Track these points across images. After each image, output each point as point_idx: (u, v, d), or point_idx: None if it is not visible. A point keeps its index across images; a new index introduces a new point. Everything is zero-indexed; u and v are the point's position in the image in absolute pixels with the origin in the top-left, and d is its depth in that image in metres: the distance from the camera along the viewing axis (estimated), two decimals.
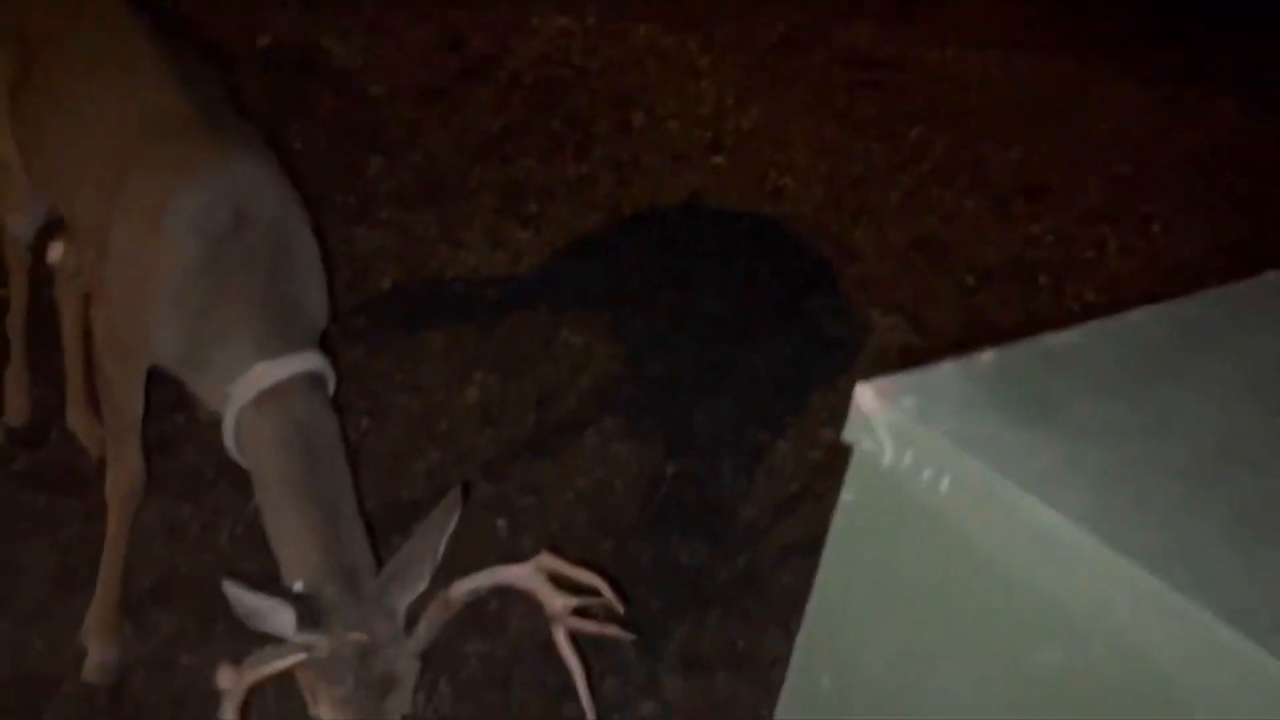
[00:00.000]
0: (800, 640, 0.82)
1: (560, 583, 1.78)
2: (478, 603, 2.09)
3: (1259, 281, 0.93)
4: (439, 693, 2.21)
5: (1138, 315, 0.88)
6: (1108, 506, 0.65)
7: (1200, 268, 3.51)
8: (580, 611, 1.79)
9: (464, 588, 1.78)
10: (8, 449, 2.58)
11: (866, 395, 0.73)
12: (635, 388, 2.99)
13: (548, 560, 1.77)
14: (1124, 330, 0.86)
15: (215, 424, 2.68)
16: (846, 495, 0.78)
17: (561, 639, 1.78)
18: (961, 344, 0.80)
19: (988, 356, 0.79)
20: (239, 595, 1.65)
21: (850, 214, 3.60)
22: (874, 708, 0.78)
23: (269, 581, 1.78)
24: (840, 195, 3.68)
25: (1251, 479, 0.71)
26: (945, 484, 0.69)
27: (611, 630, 1.81)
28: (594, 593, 1.77)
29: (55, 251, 2.45)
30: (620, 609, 1.80)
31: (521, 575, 1.78)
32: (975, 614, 0.70)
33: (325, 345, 1.98)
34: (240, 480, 2.53)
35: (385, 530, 2.17)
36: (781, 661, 2.43)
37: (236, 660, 1.63)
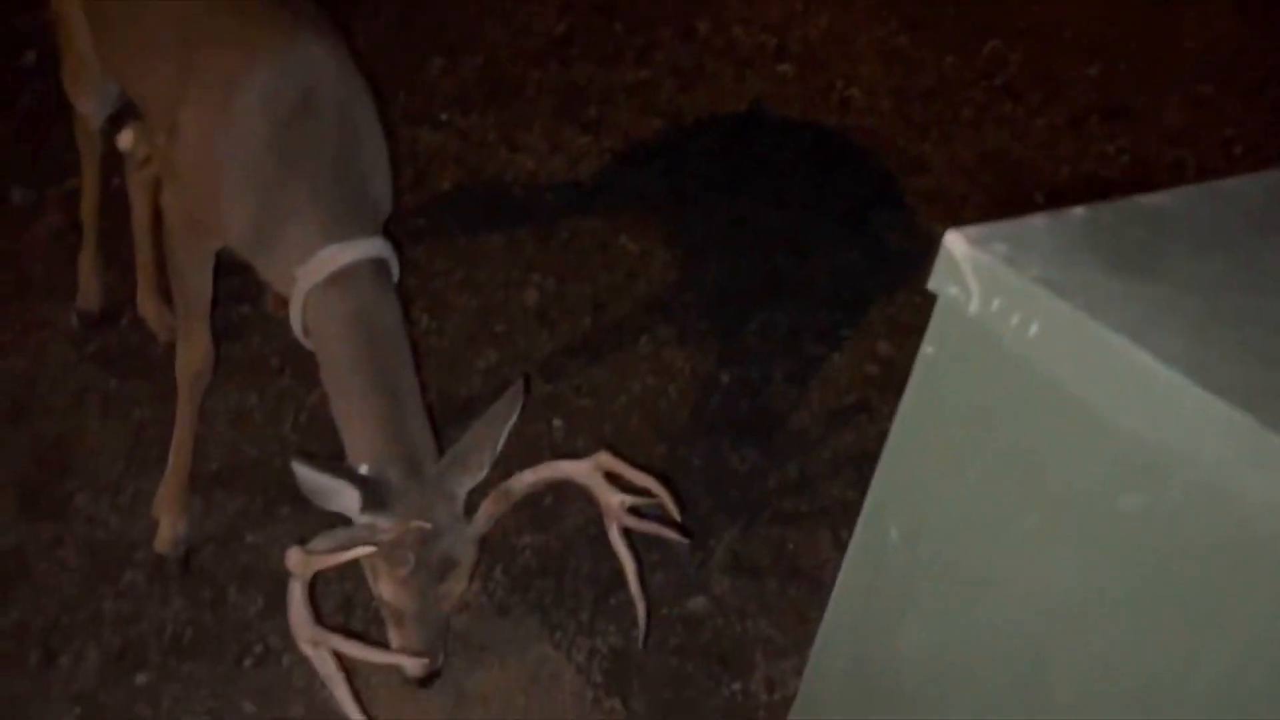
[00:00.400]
0: (870, 495, 0.82)
1: (616, 481, 1.80)
2: (533, 498, 2.13)
3: None
4: (494, 580, 2.26)
5: (1231, 182, 0.86)
6: (1203, 352, 0.64)
7: None
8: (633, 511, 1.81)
9: (524, 480, 1.81)
10: (81, 333, 2.65)
11: (957, 241, 0.72)
12: (691, 295, 2.98)
13: (606, 459, 1.79)
14: (1218, 194, 0.83)
15: (280, 316, 2.74)
16: (927, 348, 0.77)
17: (615, 535, 1.81)
18: None
19: (1080, 211, 0.77)
20: (307, 474, 1.69)
21: (919, 127, 3.51)
22: (942, 560, 0.78)
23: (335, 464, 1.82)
24: (909, 108, 3.59)
25: None
26: (1034, 329, 0.68)
27: (664, 531, 1.84)
28: (649, 493, 1.79)
29: (126, 138, 2.48)
30: (675, 513, 1.82)
31: (580, 471, 1.80)
32: (1057, 460, 0.69)
33: (388, 237, 1.99)
34: (303, 371, 2.59)
35: (442, 426, 2.20)
36: (831, 565, 2.46)
37: (301, 542, 1.67)
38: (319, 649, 1.62)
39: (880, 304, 2.97)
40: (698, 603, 2.28)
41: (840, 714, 0.87)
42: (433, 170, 3.25)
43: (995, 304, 0.69)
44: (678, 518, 1.83)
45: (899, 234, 3.18)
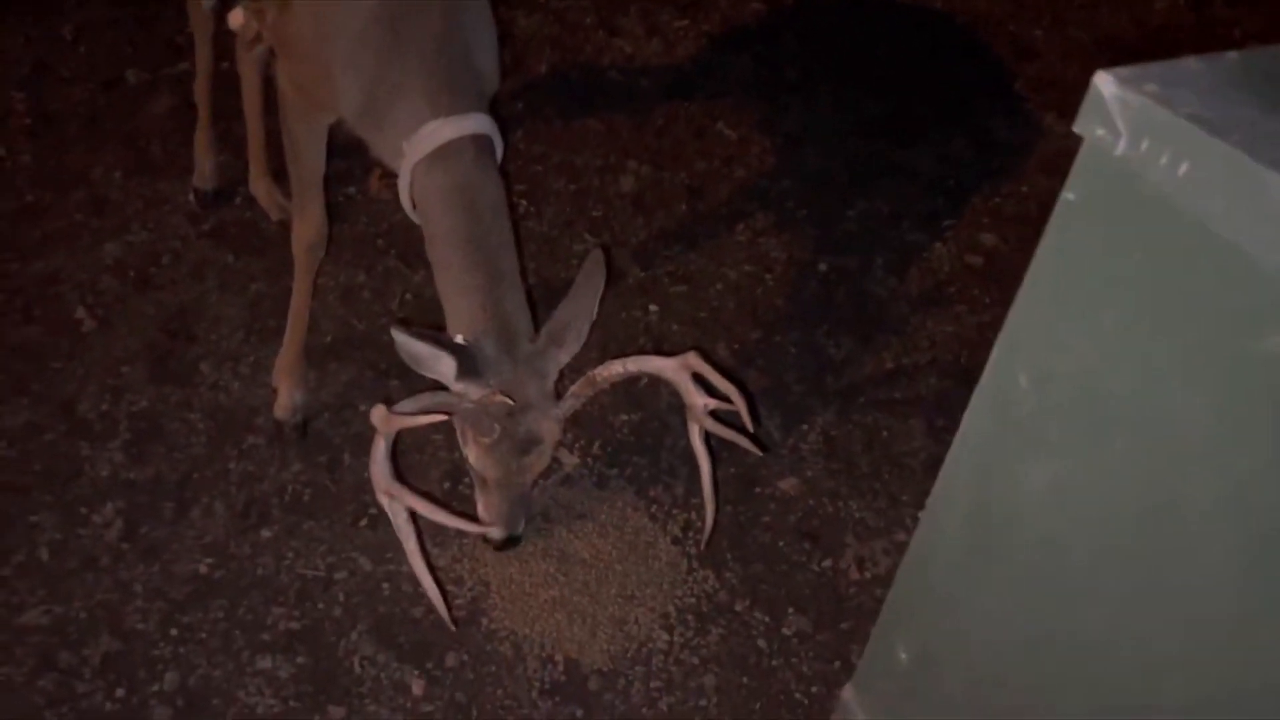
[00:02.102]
0: (1000, 343, 0.83)
1: (701, 383, 1.83)
2: (632, 378, 2.17)
3: None
4: (593, 454, 2.33)
5: None
6: None
7: None
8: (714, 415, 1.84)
9: (613, 369, 1.85)
10: (198, 210, 2.75)
11: (1106, 81, 0.71)
12: (789, 182, 2.95)
13: (694, 360, 1.82)
14: None
15: (381, 198, 2.80)
16: (1068, 194, 0.77)
17: (695, 435, 1.85)
18: None
19: (1234, 55, 0.76)
20: (406, 341, 1.76)
21: (1032, 10, 3.37)
22: (1070, 404, 0.80)
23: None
24: None
25: None
26: (1184, 168, 0.67)
27: (741, 440, 1.87)
28: (730, 401, 1.81)
29: (236, 17, 2.51)
30: (751, 428, 1.85)
31: (667, 368, 1.83)
32: (1200, 301, 0.69)
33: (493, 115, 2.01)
34: (409, 251, 2.66)
35: (540, 310, 2.25)
36: (924, 453, 2.46)
37: None
38: (393, 502, 1.71)
39: (985, 194, 2.91)
40: (790, 483, 2.32)
41: (958, 553, 0.90)
42: (529, 54, 3.24)
43: (1144, 144, 0.69)
44: (751, 429, 1.86)
45: (1006, 122, 3.09)
